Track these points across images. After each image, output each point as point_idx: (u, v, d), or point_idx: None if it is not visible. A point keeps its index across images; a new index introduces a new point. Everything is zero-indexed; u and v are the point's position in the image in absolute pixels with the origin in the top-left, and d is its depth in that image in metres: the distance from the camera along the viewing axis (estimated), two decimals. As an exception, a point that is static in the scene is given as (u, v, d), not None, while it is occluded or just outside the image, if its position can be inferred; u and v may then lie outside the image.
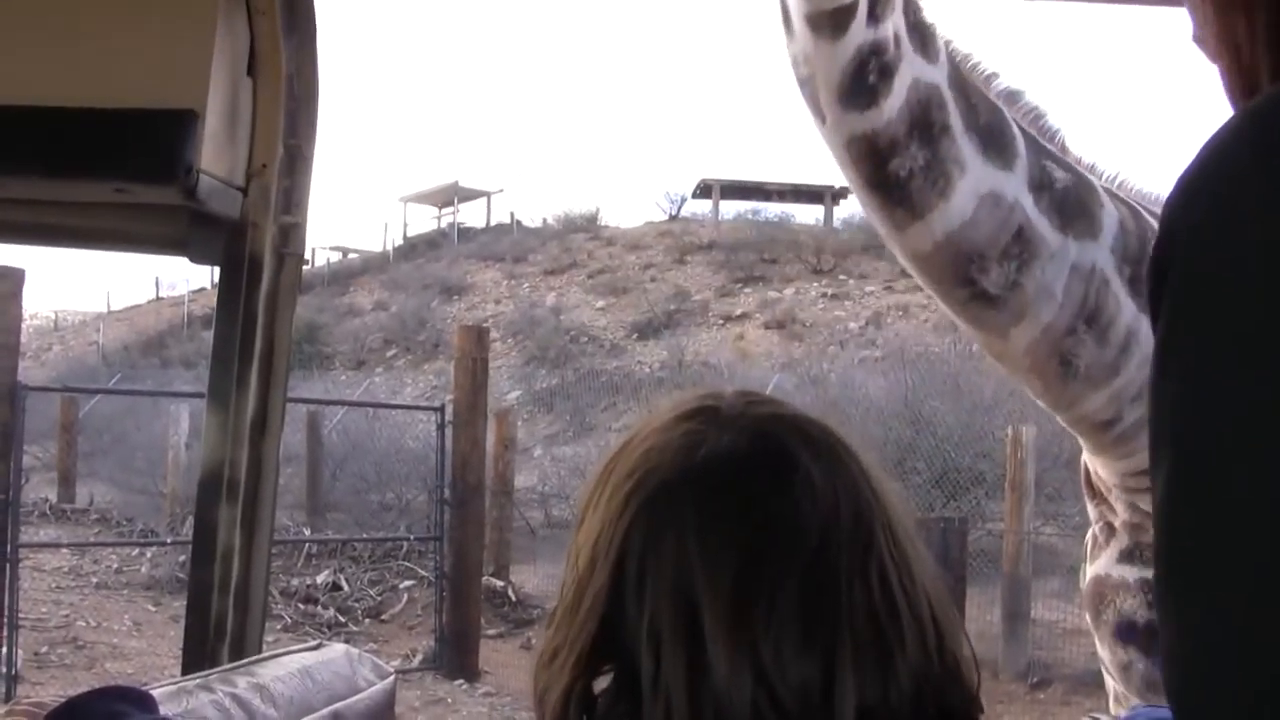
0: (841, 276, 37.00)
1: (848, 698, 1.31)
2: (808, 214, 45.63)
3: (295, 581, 17.63)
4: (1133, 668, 2.91)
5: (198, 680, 2.10)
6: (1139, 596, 2.88)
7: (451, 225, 50.68)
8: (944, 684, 1.38)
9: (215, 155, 2.23)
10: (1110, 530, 3.01)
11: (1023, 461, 14.84)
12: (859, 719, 1.31)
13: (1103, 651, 3.02)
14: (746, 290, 37.19)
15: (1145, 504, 2.84)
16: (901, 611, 1.35)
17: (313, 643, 2.46)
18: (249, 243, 2.38)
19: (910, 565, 1.39)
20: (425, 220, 52.99)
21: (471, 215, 51.99)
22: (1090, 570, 3.06)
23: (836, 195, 46.31)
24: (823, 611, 1.33)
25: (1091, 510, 3.12)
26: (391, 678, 2.43)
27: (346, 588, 17.72)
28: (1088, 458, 3.05)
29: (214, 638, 2.41)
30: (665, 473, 1.39)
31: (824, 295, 36.01)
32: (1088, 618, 3.09)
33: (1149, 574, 2.74)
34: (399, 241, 50.78)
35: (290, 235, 2.44)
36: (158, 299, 51.33)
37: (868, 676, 1.32)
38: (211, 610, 2.41)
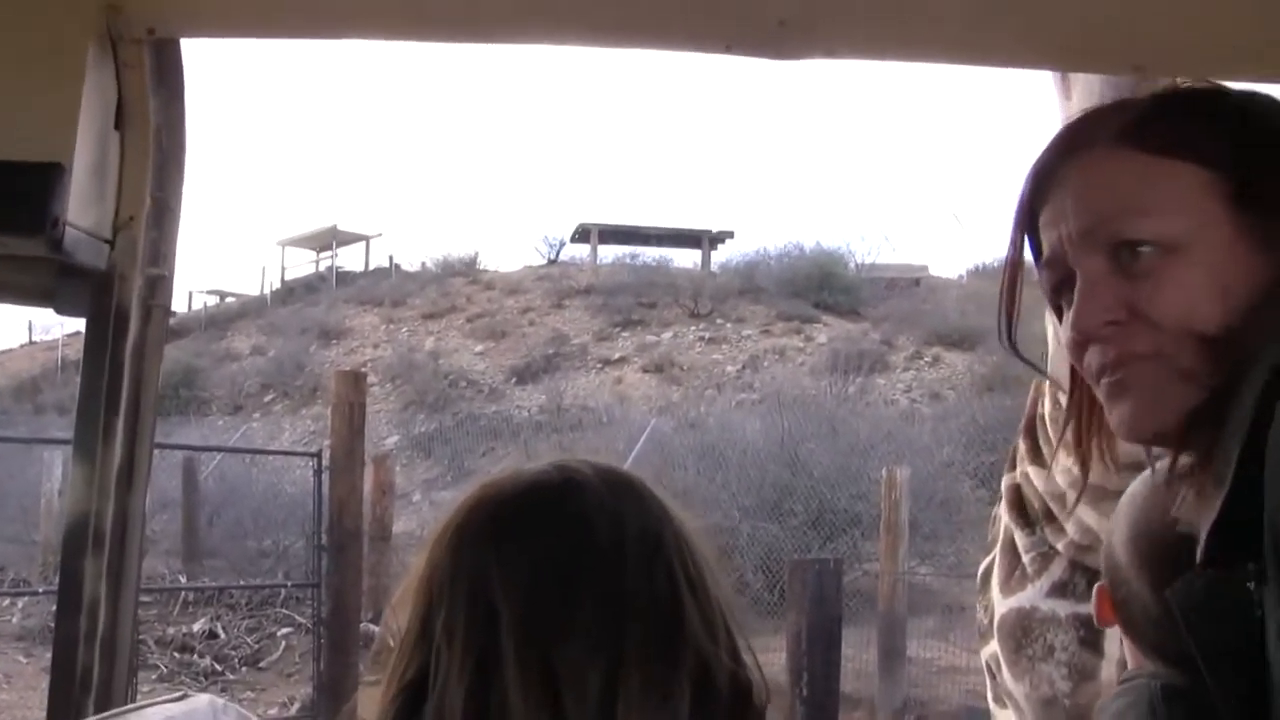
0: (719, 320, 37.17)
1: (631, 700, 1.35)
2: (685, 258, 45.89)
3: (171, 630, 17.37)
4: (1057, 703, 2.87)
5: (62, 734, 2.10)
6: (1071, 633, 2.82)
7: (330, 269, 50.27)
8: (732, 687, 1.42)
9: (82, 208, 2.23)
10: (1043, 560, 2.90)
11: (897, 502, 15.02)
12: None
13: (1018, 686, 2.94)
14: (625, 334, 37.26)
15: (1100, 520, 2.72)
16: (687, 608, 1.41)
17: (178, 694, 2.46)
18: (115, 295, 2.38)
19: (703, 574, 1.45)
20: (303, 264, 52.48)
21: (350, 259, 51.65)
22: (1009, 601, 2.93)
23: (714, 239, 46.64)
24: (612, 612, 1.38)
25: (1022, 539, 2.96)
26: (258, 728, 2.43)
27: (223, 635, 17.50)
28: (1033, 473, 2.93)
29: (79, 690, 2.39)
30: (470, 501, 1.49)
31: (701, 339, 36.17)
32: (996, 651, 2.98)
33: (1082, 609, 2.73)
34: (277, 285, 50.27)
35: (157, 287, 2.44)
36: (31, 343, 50.32)
37: (652, 671, 1.36)
38: (77, 663, 2.39)
